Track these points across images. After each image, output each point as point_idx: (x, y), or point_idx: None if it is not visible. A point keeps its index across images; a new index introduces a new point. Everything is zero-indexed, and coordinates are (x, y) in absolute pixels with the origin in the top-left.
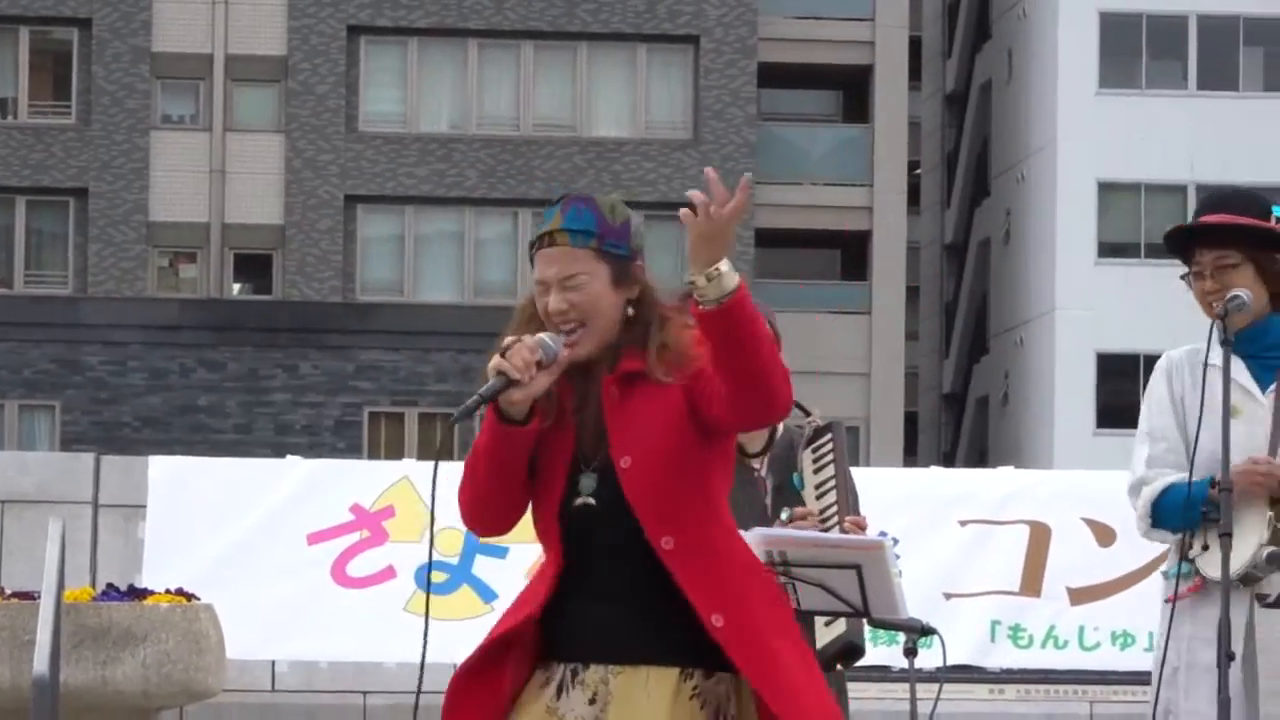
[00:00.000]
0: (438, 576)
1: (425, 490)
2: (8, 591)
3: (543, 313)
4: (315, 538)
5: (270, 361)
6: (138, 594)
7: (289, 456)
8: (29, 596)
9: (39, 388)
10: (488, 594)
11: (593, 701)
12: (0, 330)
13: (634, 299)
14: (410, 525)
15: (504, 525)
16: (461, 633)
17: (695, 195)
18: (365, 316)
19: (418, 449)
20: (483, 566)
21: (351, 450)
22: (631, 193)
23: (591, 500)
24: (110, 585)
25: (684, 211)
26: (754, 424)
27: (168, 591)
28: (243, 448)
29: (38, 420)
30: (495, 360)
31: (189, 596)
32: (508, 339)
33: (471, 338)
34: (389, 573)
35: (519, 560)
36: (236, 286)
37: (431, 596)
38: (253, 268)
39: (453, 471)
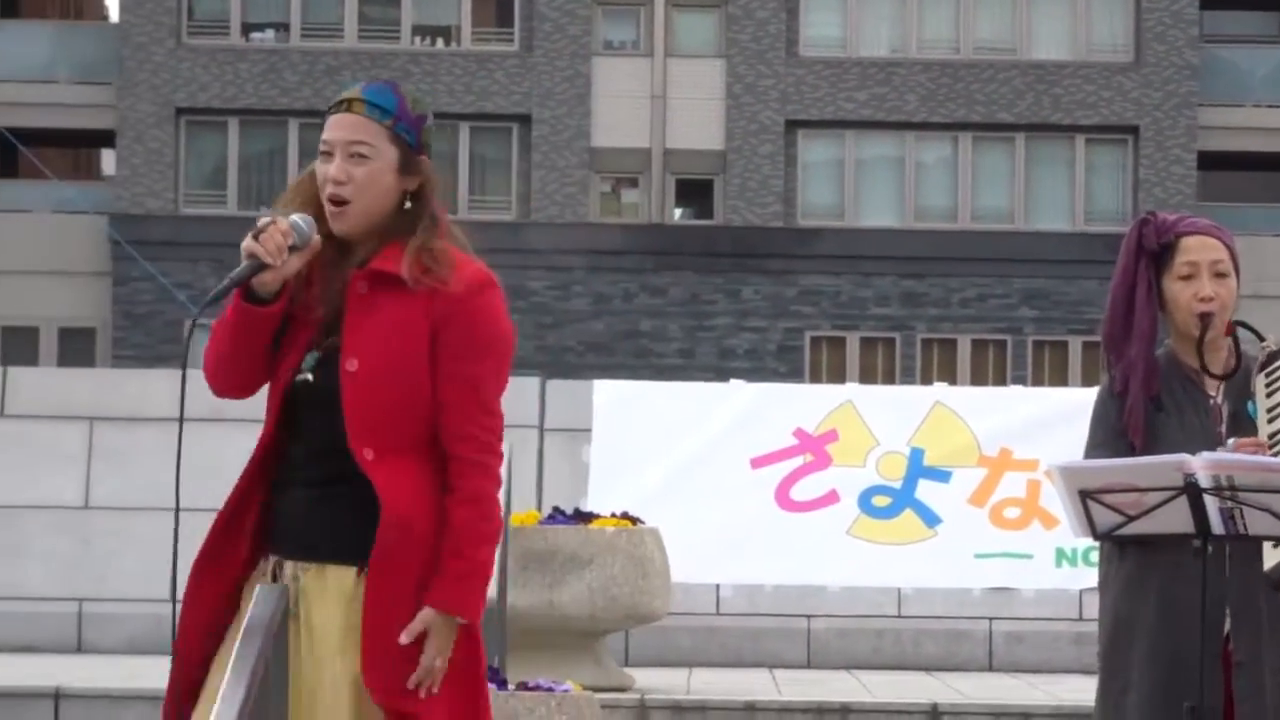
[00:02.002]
0: (881, 500)
1: (869, 414)
2: None
3: (320, 179)
4: (758, 461)
5: (712, 286)
6: (584, 518)
7: (732, 381)
8: None
9: None
10: (931, 518)
11: (295, 599)
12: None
13: (413, 191)
14: (853, 449)
15: (244, 391)
16: (905, 556)
17: None
18: (806, 241)
19: (860, 373)
20: (926, 490)
21: (793, 374)
22: (1072, 116)
23: (309, 377)
24: (556, 509)
25: None
26: None
27: (613, 515)
28: (686, 372)
29: None
30: (247, 242)
31: (634, 520)
32: (262, 220)
33: (912, 261)
34: (832, 496)
35: (962, 484)
36: (678, 211)
37: (875, 521)
38: (694, 192)
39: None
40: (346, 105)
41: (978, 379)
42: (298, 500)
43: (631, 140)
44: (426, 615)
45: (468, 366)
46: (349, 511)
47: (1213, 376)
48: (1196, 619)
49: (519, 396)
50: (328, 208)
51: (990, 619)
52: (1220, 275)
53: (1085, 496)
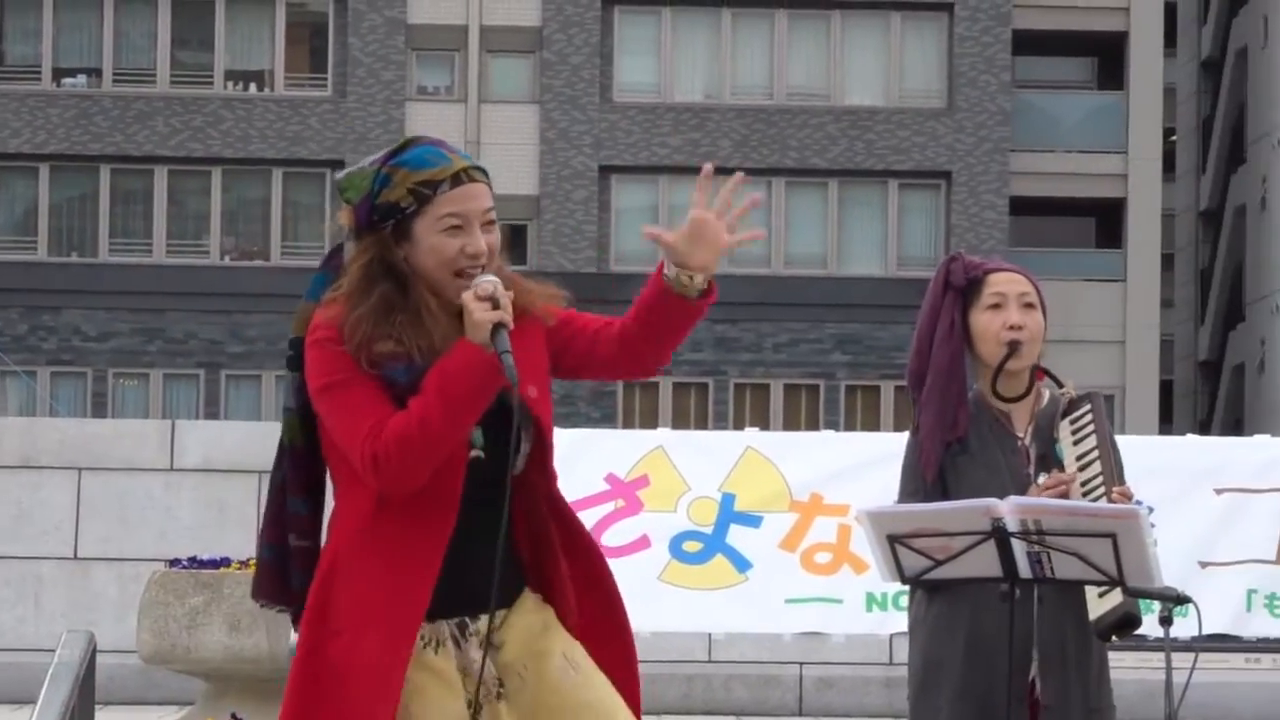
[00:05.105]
0: (692, 546)
1: (680, 459)
2: None
3: (452, 252)
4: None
5: None
6: None
7: None
8: None
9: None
10: (741, 563)
11: (481, 645)
12: (257, 302)
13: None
14: (665, 494)
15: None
16: (715, 602)
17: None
18: (620, 286)
19: (672, 418)
20: (737, 536)
21: (606, 420)
22: (885, 161)
23: (481, 454)
24: None
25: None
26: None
27: None
28: None
29: None
30: (492, 314)
31: None
32: (486, 286)
33: (725, 307)
34: (643, 542)
35: (773, 529)
36: None
37: (686, 566)
38: (508, 238)
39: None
40: (467, 175)
41: (790, 424)
42: (479, 556)
43: None
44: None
45: (583, 322)
46: (514, 549)
47: (1004, 400)
48: (1004, 660)
49: None
50: (460, 280)
51: (801, 664)
52: (1028, 306)
53: (894, 541)
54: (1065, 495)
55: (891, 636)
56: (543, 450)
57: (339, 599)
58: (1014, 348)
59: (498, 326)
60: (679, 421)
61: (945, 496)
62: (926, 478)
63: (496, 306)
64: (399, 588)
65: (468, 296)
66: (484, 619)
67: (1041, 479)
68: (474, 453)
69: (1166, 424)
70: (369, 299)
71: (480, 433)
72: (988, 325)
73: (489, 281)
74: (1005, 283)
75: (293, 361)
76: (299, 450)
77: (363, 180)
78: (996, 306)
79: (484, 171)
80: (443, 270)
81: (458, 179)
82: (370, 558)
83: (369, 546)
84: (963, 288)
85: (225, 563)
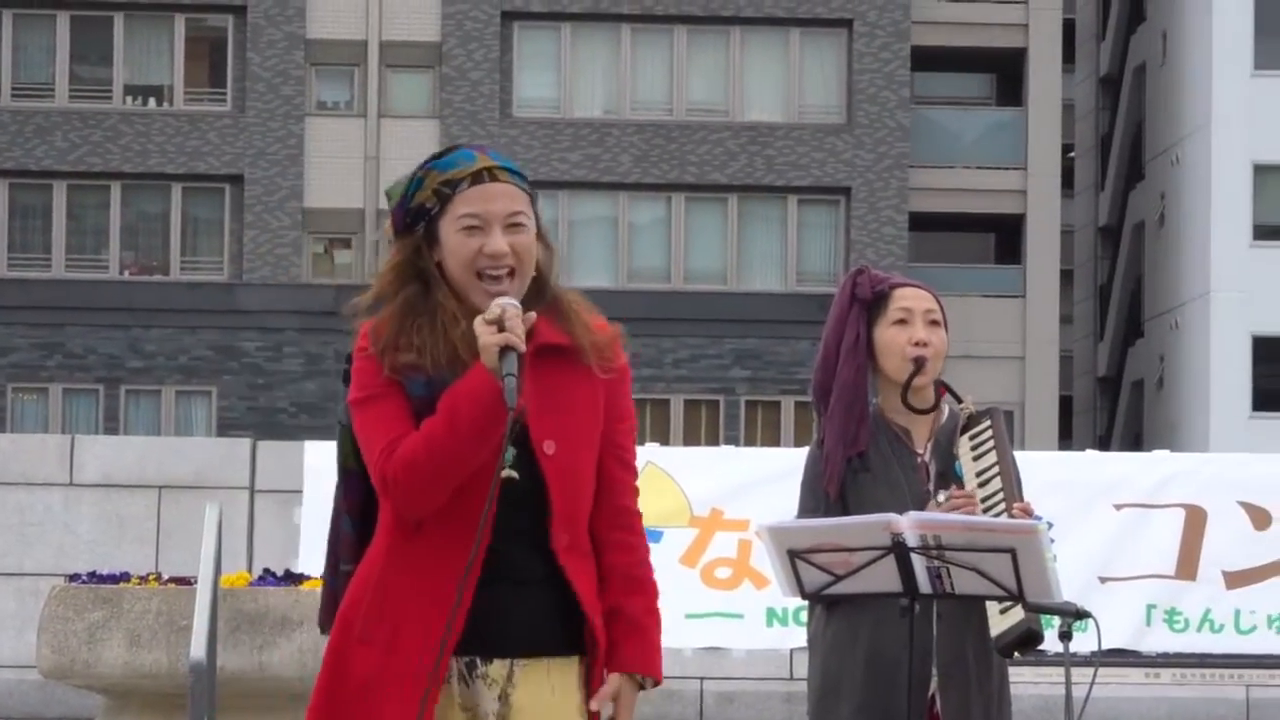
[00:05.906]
0: None
1: None
2: (165, 576)
3: (470, 254)
4: None
5: None
6: (294, 579)
7: None
8: (186, 582)
9: (196, 374)
10: None
11: (500, 697)
12: (157, 317)
13: (540, 261)
14: None
15: (443, 501)
16: None
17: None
18: None
19: None
20: None
21: None
22: (784, 177)
23: (515, 474)
24: (267, 570)
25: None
26: None
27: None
28: None
29: (194, 406)
30: (498, 337)
31: None
32: (496, 309)
33: (625, 322)
34: None
35: (673, 544)
36: None
37: None
38: None
39: None
40: (489, 175)
41: (691, 439)
42: (508, 595)
43: (345, 201)
44: (617, 681)
45: (624, 437)
46: (557, 602)
47: (916, 411)
48: (904, 676)
49: (230, 458)
50: (483, 283)
51: (701, 679)
52: (933, 323)
53: (794, 556)
54: (970, 513)
55: (792, 651)
56: (561, 510)
57: (368, 610)
58: (919, 364)
59: (505, 349)
60: None
61: (846, 514)
62: (829, 492)
63: (504, 329)
64: (426, 607)
65: (478, 321)
66: (496, 663)
67: (941, 496)
68: (505, 473)
69: (1066, 440)
70: (395, 302)
71: (511, 453)
72: (893, 340)
73: (500, 304)
74: (911, 298)
75: (347, 376)
76: (352, 472)
77: (401, 185)
78: (902, 322)
79: (518, 174)
80: (465, 272)
81: (478, 178)
82: (399, 572)
83: (399, 562)
84: (868, 301)
85: (125, 577)
